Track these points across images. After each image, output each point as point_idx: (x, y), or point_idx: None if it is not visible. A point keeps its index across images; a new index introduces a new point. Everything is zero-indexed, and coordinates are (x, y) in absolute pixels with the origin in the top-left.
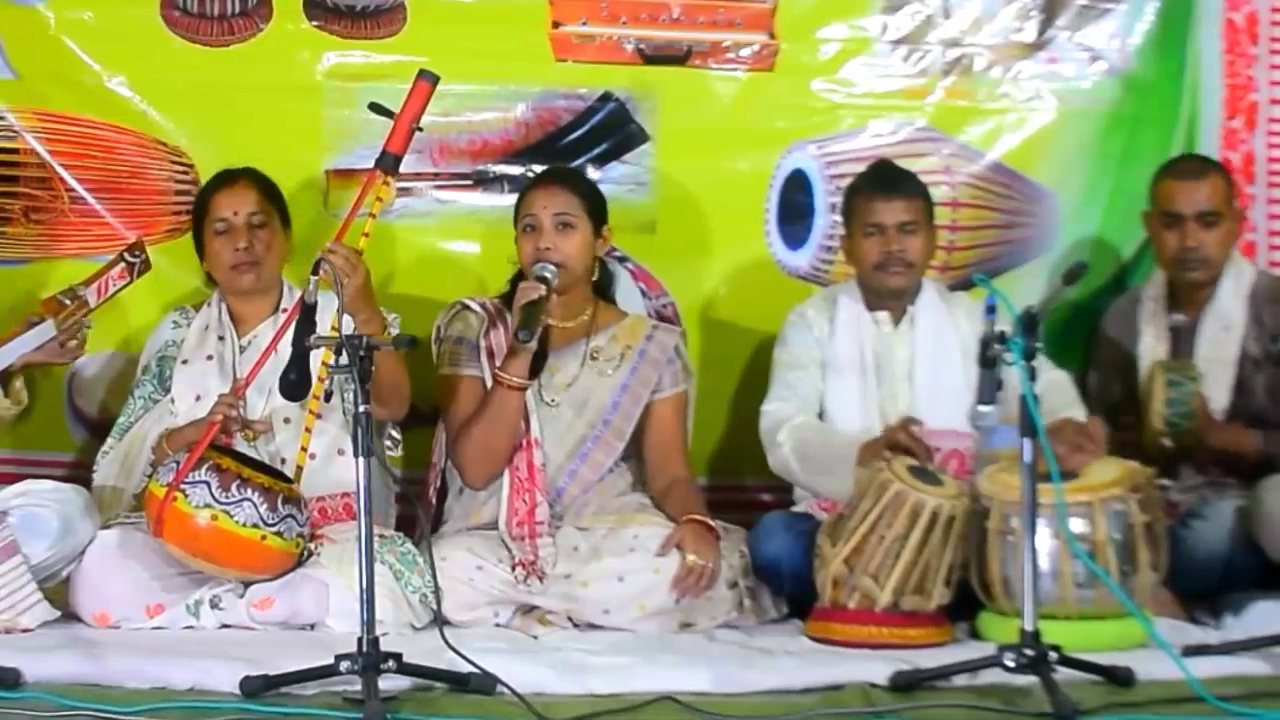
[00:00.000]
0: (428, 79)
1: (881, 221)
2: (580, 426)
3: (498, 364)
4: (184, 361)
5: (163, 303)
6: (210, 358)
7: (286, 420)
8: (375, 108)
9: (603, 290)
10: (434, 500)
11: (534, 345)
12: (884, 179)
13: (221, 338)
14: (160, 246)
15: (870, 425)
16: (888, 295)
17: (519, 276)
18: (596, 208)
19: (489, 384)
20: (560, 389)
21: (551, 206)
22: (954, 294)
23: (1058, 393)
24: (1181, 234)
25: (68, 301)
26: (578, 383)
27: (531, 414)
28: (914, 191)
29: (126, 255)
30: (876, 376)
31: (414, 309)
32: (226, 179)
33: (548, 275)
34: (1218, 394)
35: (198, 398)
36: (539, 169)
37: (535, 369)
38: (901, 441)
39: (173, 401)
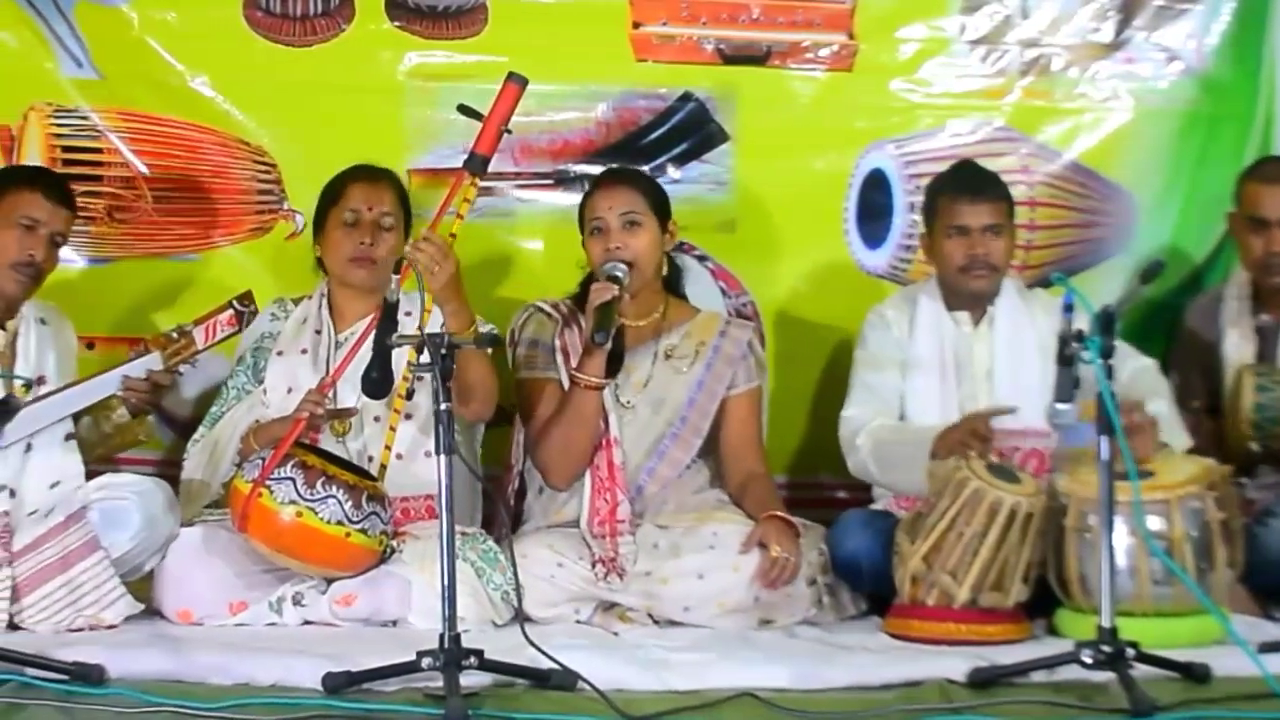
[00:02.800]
0: (517, 81)
1: (966, 224)
2: (658, 425)
3: (573, 364)
4: (279, 353)
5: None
6: (304, 351)
7: (376, 419)
8: (464, 109)
9: (673, 286)
10: (512, 502)
11: (609, 345)
12: (969, 180)
13: (318, 331)
14: (242, 246)
15: (949, 425)
16: (969, 297)
17: (589, 279)
18: (660, 203)
19: (566, 385)
20: (636, 389)
21: (617, 206)
22: (1033, 292)
23: (1144, 381)
24: (1268, 239)
25: (176, 336)
26: (653, 381)
27: (610, 413)
28: (998, 194)
29: (236, 304)
30: (956, 376)
31: (495, 307)
32: (368, 173)
33: (619, 274)
34: None
35: (290, 390)
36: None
37: (613, 368)
38: (981, 433)
39: (265, 392)
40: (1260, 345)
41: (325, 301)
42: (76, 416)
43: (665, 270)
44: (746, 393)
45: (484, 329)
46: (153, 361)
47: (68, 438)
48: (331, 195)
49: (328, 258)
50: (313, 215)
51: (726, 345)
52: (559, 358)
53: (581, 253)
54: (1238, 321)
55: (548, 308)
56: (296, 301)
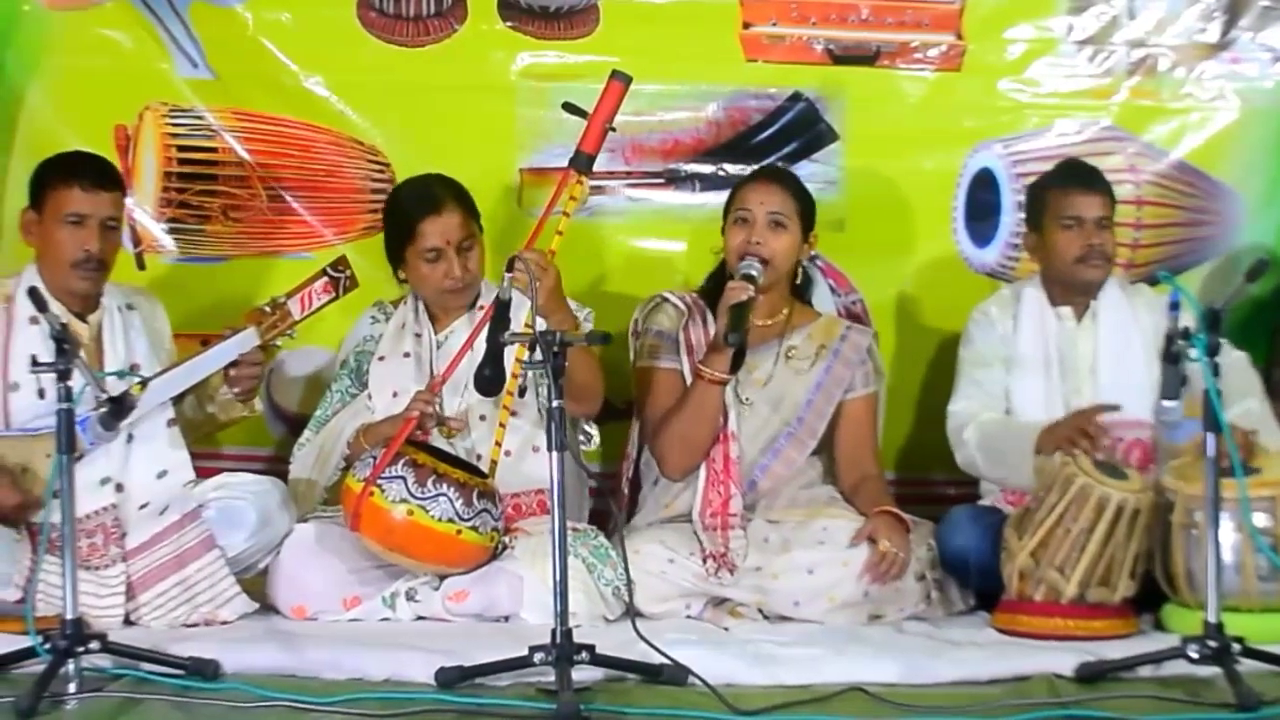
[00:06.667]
0: (620, 79)
1: (1081, 214)
2: (775, 423)
3: (696, 358)
4: (380, 358)
5: (361, 299)
6: (407, 355)
7: (482, 418)
8: (569, 107)
9: (800, 293)
10: (626, 490)
11: (740, 344)
12: (1080, 174)
13: (418, 335)
14: (356, 245)
15: (1054, 420)
16: (1078, 289)
17: (720, 272)
18: (808, 212)
19: (687, 377)
20: (756, 386)
21: (768, 204)
22: (1135, 287)
23: (1237, 374)
24: None
25: (269, 310)
26: (773, 380)
27: (729, 408)
28: (1107, 188)
29: (330, 270)
30: (1060, 371)
31: (607, 305)
32: (430, 204)
33: (754, 273)
34: None
35: (394, 394)
36: (730, 168)
37: (735, 364)
38: (1089, 431)
39: (369, 397)
40: None
41: (420, 306)
42: (178, 399)
43: (799, 279)
44: (863, 397)
45: (587, 328)
46: (250, 337)
47: (170, 423)
48: (404, 232)
49: (420, 288)
50: (384, 241)
51: (846, 349)
52: (682, 350)
53: (702, 248)
54: None
55: (675, 299)
56: (395, 304)
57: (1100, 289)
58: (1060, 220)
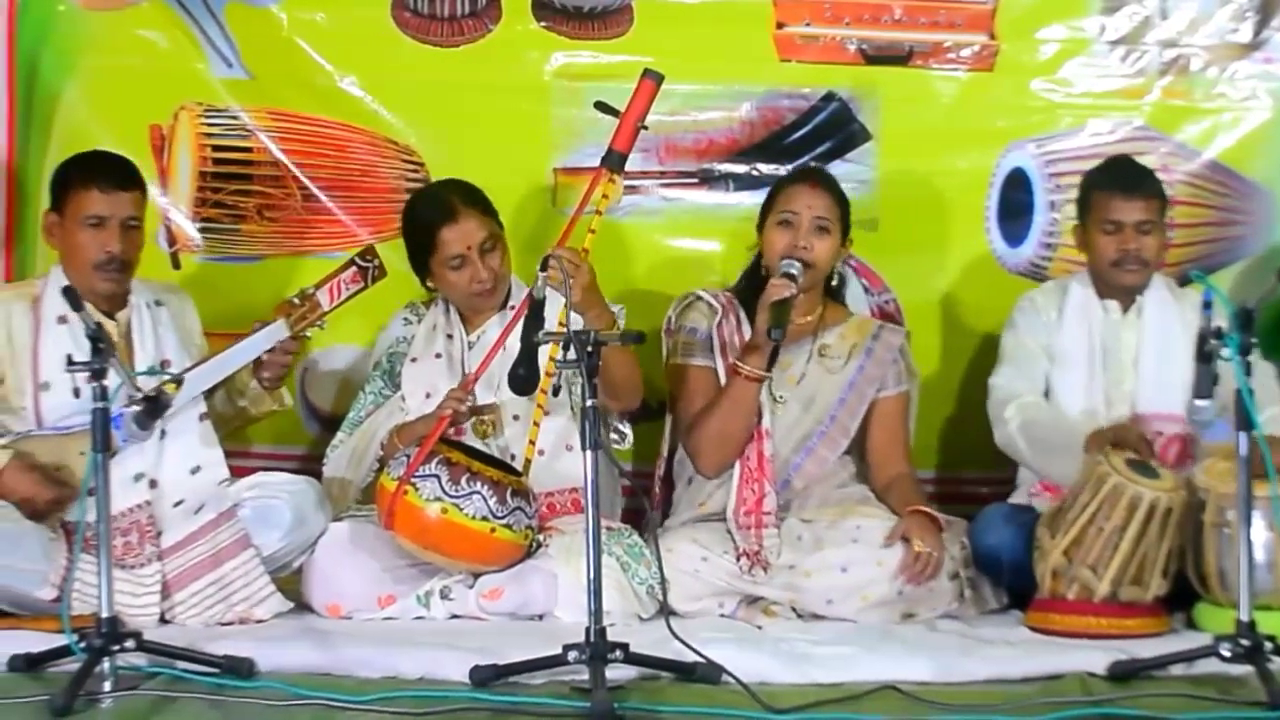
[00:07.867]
0: (652, 78)
1: (1120, 219)
2: (807, 422)
3: (730, 356)
4: (413, 359)
5: (397, 299)
6: (439, 356)
7: (515, 417)
8: (601, 106)
9: (834, 294)
10: (660, 489)
11: (780, 341)
12: (1125, 177)
13: (450, 336)
14: (392, 244)
15: (1094, 410)
16: (1119, 290)
17: (754, 269)
18: (847, 216)
19: (720, 375)
20: (789, 384)
21: (815, 208)
22: (1183, 290)
23: (1260, 383)
24: None
25: (299, 301)
26: (806, 379)
27: (763, 406)
28: (1153, 191)
29: (358, 260)
30: (1103, 362)
31: (642, 304)
32: (447, 211)
33: (794, 272)
34: None
35: (428, 395)
36: (763, 168)
37: (769, 361)
38: (1130, 442)
39: (403, 399)
40: None
41: (452, 307)
42: (208, 393)
43: (834, 281)
44: (895, 396)
45: (616, 308)
46: (279, 329)
47: (202, 418)
48: (426, 243)
49: (450, 295)
50: (405, 250)
51: (879, 349)
52: (715, 347)
53: (735, 247)
54: None
55: (708, 297)
56: (427, 305)
57: (1144, 288)
58: (1101, 224)
